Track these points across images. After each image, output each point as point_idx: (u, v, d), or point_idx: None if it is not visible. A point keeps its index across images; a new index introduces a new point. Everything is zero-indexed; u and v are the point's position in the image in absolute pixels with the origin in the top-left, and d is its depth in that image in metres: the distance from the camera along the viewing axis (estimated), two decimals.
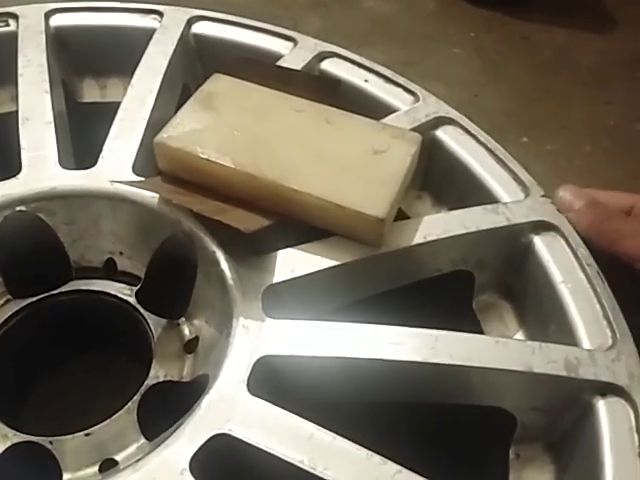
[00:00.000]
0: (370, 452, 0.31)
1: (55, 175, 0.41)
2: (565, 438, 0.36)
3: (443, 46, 1.22)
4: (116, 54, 0.54)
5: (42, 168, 0.42)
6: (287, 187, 0.38)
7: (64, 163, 0.43)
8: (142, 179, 0.41)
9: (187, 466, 0.30)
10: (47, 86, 0.47)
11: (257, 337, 0.35)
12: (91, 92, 0.56)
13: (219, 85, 0.44)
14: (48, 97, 0.46)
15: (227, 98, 0.43)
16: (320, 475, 0.30)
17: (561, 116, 1.10)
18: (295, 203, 0.38)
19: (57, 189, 0.41)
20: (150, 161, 0.42)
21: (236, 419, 0.32)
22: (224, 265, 0.38)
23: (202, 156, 0.39)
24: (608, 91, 1.18)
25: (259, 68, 0.47)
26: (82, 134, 0.49)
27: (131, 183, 0.39)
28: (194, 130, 0.40)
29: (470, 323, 0.44)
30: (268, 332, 0.35)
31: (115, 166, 0.42)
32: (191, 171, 0.39)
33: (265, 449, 0.31)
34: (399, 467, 0.30)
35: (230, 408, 0.32)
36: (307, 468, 0.30)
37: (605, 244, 0.41)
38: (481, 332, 0.43)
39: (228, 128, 0.41)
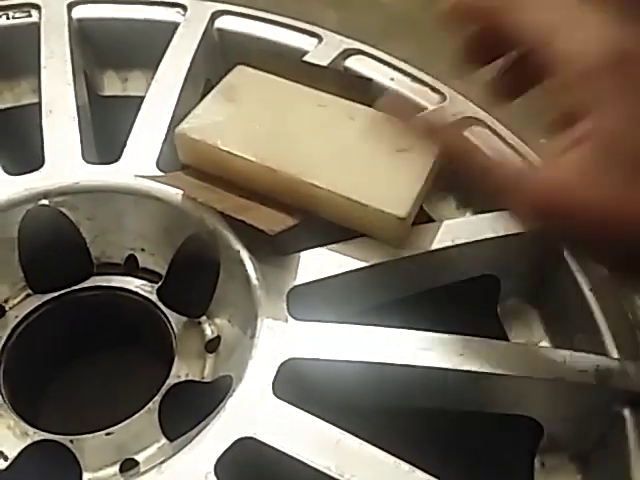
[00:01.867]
0: (398, 460, 0.30)
1: (79, 169, 0.41)
2: (593, 448, 0.36)
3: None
4: (138, 47, 0.54)
5: (65, 162, 0.41)
6: (307, 182, 0.37)
7: (87, 157, 0.42)
8: (163, 174, 0.40)
9: (212, 469, 0.30)
10: (70, 78, 0.46)
11: (282, 339, 0.34)
12: (112, 85, 0.56)
13: (242, 77, 0.43)
14: (71, 89, 0.46)
15: (249, 90, 0.42)
16: None
17: None
18: (315, 199, 0.37)
19: (80, 184, 0.40)
20: (174, 156, 0.41)
21: (261, 423, 0.31)
22: (248, 264, 0.37)
23: (223, 148, 0.38)
24: None
25: (285, 63, 0.46)
26: (103, 127, 0.49)
27: (155, 178, 0.39)
28: (215, 122, 0.39)
29: (495, 328, 0.43)
30: (293, 334, 0.35)
31: (139, 161, 0.42)
32: (211, 163, 0.39)
33: (291, 454, 0.30)
34: (428, 476, 0.30)
35: (255, 411, 0.32)
36: (334, 475, 0.30)
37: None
38: (505, 338, 0.43)
39: (250, 120, 0.40)
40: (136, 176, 0.39)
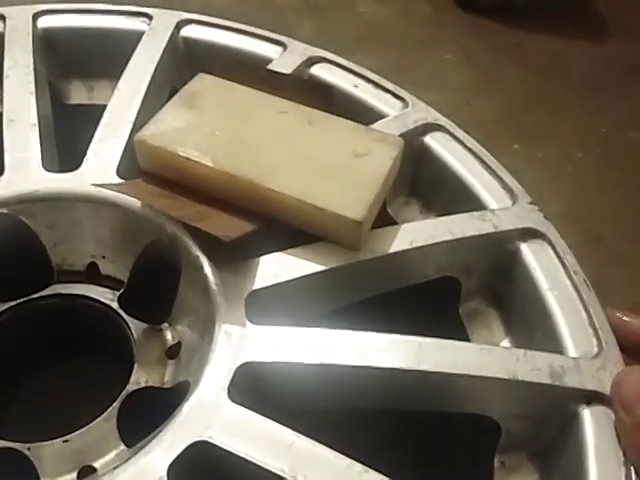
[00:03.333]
0: (352, 461, 0.31)
1: (38, 178, 0.41)
2: (550, 447, 0.36)
3: (436, 52, 1.22)
4: (104, 56, 0.54)
5: (25, 170, 0.41)
6: (265, 187, 0.37)
7: (48, 166, 0.42)
8: (123, 182, 0.41)
9: (165, 474, 0.30)
10: (32, 88, 0.47)
11: (239, 343, 0.35)
12: (78, 94, 0.56)
13: (203, 84, 0.44)
14: (33, 99, 0.46)
15: (210, 97, 0.43)
16: None
17: (553, 123, 1.11)
18: (274, 204, 0.38)
19: (39, 192, 0.40)
20: (135, 164, 0.41)
21: (216, 426, 0.31)
22: (207, 270, 0.37)
23: (182, 154, 0.38)
24: (600, 98, 1.18)
25: (249, 71, 0.47)
26: (69, 136, 0.49)
27: (111, 187, 0.39)
28: (175, 128, 0.40)
29: (457, 330, 0.44)
30: (250, 338, 0.35)
31: (99, 169, 0.42)
32: (171, 170, 0.39)
33: (245, 457, 0.30)
34: (381, 476, 0.30)
35: (210, 415, 0.32)
36: (287, 477, 0.30)
37: None
38: (467, 339, 0.43)
39: (210, 127, 0.40)
40: (92, 185, 0.39)
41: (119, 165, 0.42)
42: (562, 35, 1.33)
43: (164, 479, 0.29)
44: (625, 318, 0.37)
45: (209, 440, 0.31)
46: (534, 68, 1.24)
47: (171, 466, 0.30)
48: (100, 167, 0.42)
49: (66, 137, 0.49)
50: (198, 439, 0.31)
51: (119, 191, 0.39)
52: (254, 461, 0.30)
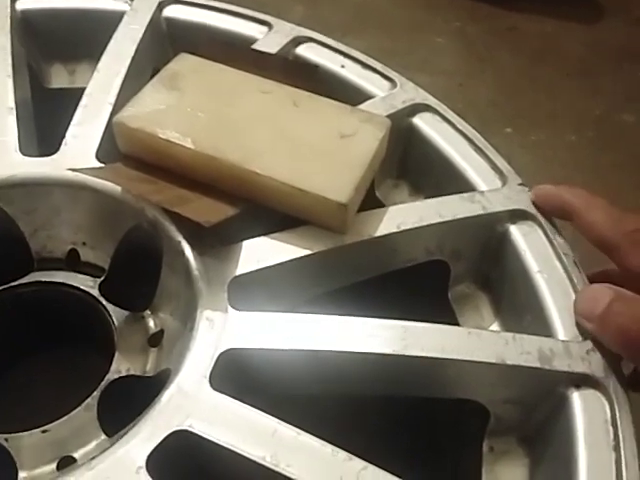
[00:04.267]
0: (336, 448, 0.30)
1: (15, 162, 0.40)
2: (539, 431, 0.35)
3: (428, 36, 1.21)
4: (85, 38, 0.53)
5: (1, 155, 0.40)
6: (248, 170, 0.36)
7: (26, 150, 0.41)
8: (102, 165, 0.39)
9: (143, 464, 0.29)
10: (10, 70, 0.45)
11: (221, 330, 0.34)
12: (59, 77, 0.55)
13: (185, 65, 0.42)
14: (10, 82, 0.45)
15: (192, 78, 0.41)
16: (282, 472, 0.29)
17: (546, 106, 1.10)
18: (257, 187, 0.37)
19: (16, 176, 0.39)
20: (115, 147, 0.40)
21: (197, 415, 0.30)
22: (189, 255, 0.36)
23: (162, 137, 0.37)
24: (594, 81, 1.17)
25: (233, 51, 0.46)
26: (50, 121, 0.48)
27: (88, 171, 0.38)
28: (155, 110, 0.39)
29: (446, 314, 0.43)
30: (233, 325, 0.34)
31: (78, 153, 0.41)
32: (151, 153, 0.38)
33: (226, 446, 0.29)
34: (365, 463, 0.29)
35: (191, 404, 0.31)
36: (269, 465, 0.29)
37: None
38: (456, 323, 0.42)
39: (191, 109, 0.39)
40: (69, 169, 0.38)
41: (99, 148, 0.41)
42: (556, 18, 1.31)
43: (142, 469, 0.29)
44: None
45: (189, 429, 0.30)
46: (527, 51, 1.22)
47: (150, 456, 0.29)
48: (79, 151, 0.41)
49: (47, 122, 0.48)
50: (178, 428, 0.30)
51: (96, 176, 0.38)
52: (235, 450, 0.29)
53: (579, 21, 1.33)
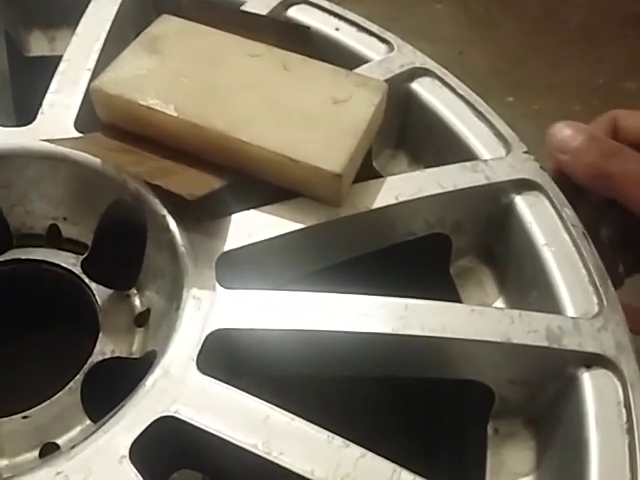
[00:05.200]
0: (332, 434, 0.28)
1: None
2: (547, 413, 0.34)
3: (428, 2, 1.17)
4: (65, 4, 0.50)
5: None
6: (236, 139, 0.34)
7: (2, 121, 0.39)
8: (81, 135, 0.37)
9: (127, 453, 0.27)
10: None
11: (209, 309, 0.32)
12: (39, 45, 0.52)
13: (167, 27, 0.40)
14: None
15: (175, 41, 0.39)
16: (275, 461, 0.27)
17: (549, 75, 1.06)
18: (245, 157, 0.34)
19: None
20: (95, 116, 0.38)
21: (183, 400, 0.28)
22: (175, 230, 0.34)
23: (142, 103, 0.35)
24: (597, 49, 1.14)
25: (221, 13, 0.43)
26: (30, 90, 0.45)
27: (63, 142, 0.35)
28: (136, 75, 0.36)
29: (447, 290, 0.41)
30: (222, 304, 0.32)
31: (55, 122, 0.38)
32: (132, 121, 0.36)
33: (215, 433, 0.28)
34: (363, 450, 0.28)
35: (177, 388, 0.29)
36: (261, 453, 0.27)
37: (607, 189, 0.36)
38: (459, 300, 0.40)
39: (174, 74, 0.37)
40: (42, 140, 0.36)
41: (77, 117, 0.38)
42: None
43: (126, 459, 0.27)
44: None
45: (175, 415, 0.28)
46: (530, 19, 1.19)
47: (134, 444, 0.27)
48: (56, 120, 0.38)
49: (27, 91, 0.45)
50: (163, 414, 0.28)
51: (73, 147, 0.35)
52: (225, 437, 0.28)
53: None
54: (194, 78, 0.37)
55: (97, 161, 0.36)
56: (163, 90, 0.36)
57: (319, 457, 0.27)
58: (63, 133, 0.37)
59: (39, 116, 0.39)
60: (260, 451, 0.27)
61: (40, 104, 0.39)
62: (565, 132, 0.37)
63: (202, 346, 0.30)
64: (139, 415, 0.28)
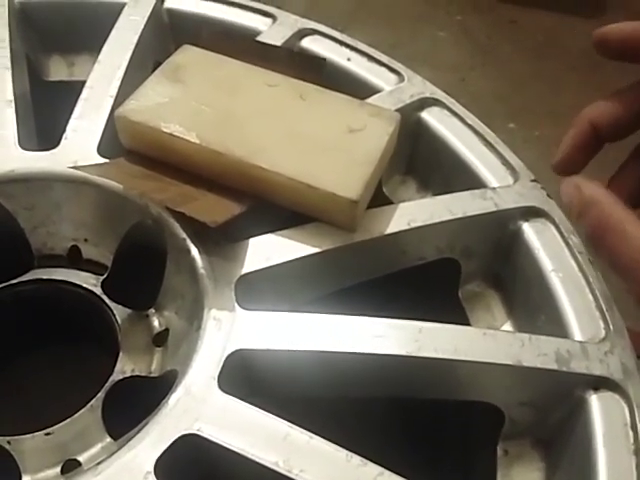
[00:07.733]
0: (350, 453, 0.29)
1: (14, 156, 0.39)
2: (556, 434, 0.35)
3: (430, 29, 1.20)
4: (85, 30, 0.51)
5: (0, 149, 0.39)
6: (255, 165, 0.35)
7: (25, 144, 0.40)
8: (106, 161, 0.38)
9: (152, 469, 0.28)
10: (8, 63, 0.44)
11: (229, 330, 0.33)
12: (58, 70, 0.53)
13: (188, 57, 0.41)
14: (9, 74, 0.43)
15: (196, 70, 0.40)
16: (296, 478, 0.28)
17: (550, 101, 1.09)
18: (264, 183, 0.36)
19: (15, 171, 0.38)
20: (117, 142, 0.39)
21: (205, 418, 0.29)
22: (195, 253, 0.35)
23: (165, 131, 0.36)
24: (599, 75, 1.16)
25: (237, 43, 0.44)
26: (49, 114, 0.46)
27: (89, 169, 0.37)
28: (158, 103, 0.37)
29: (456, 314, 0.42)
30: (241, 324, 0.33)
31: (79, 147, 0.39)
32: (155, 148, 0.37)
33: (237, 450, 0.29)
34: (381, 469, 0.28)
35: (199, 407, 0.30)
36: (282, 471, 0.28)
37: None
38: (467, 323, 0.41)
39: (195, 102, 0.38)
40: (69, 167, 0.37)
41: (100, 143, 0.40)
42: (559, 11, 1.30)
43: (151, 475, 0.28)
44: None
45: (198, 433, 0.29)
46: (531, 45, 1.21)
47: (158, 461, 0.28)
48: (80, 145, 0.40)
49: (46, 115, 0.47)
50: (186, 432, 0.29)
51: (98, 174, 0.36)
52: (246, 455, 0.28)
53: (581, 15, 1.31)
54: (215, 106, 0.38)
55: (119, 185, 0.37)
56: (185, 118, 0.37)
57: (338, 475, 0.28)
58: (86, 158, 0.39)
59: (63, 141, 0.40)
60: (281, 469, 0.28)
61: (64, 129, 0.41)
62: (570, 189, 0.34)
63: (223, 366, 0.31)
64: (163, 433, 0.29)
